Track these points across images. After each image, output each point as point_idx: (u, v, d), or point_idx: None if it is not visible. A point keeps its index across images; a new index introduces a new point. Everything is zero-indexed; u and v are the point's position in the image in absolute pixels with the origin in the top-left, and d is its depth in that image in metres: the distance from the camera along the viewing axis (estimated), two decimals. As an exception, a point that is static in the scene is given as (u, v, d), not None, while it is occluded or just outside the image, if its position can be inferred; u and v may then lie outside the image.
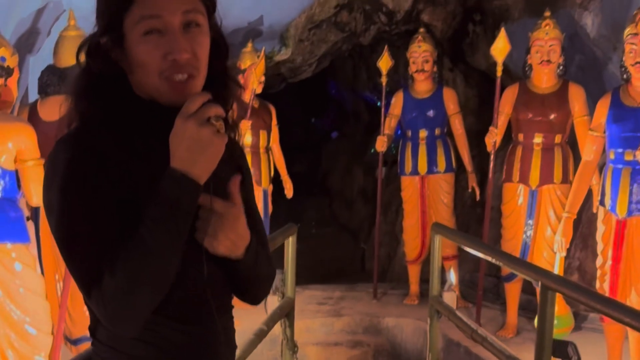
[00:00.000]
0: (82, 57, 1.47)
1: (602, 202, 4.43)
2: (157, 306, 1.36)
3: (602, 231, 4.43)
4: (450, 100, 6.17)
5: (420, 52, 6.10)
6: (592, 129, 4.51)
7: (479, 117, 7.56)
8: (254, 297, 1.67)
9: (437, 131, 6.17)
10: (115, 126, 1.42)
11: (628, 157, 4.21)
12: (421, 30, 6.35)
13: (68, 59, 4.56)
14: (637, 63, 4.10)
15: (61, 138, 1.42)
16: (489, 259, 3.67)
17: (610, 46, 5.68)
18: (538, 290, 5.06)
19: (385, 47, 6.44)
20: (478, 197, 6.23)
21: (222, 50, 1.53)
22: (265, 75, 6.04)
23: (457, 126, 6.17)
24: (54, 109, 4.42)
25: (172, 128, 1.34)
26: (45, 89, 4.53)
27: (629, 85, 4.29)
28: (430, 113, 6.14)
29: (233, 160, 1.56)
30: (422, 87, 6.18)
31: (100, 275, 1.30)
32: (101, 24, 1.43)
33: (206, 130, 1.31)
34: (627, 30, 4.22)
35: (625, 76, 4.28)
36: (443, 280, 4.49)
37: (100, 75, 1.44)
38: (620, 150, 4.26)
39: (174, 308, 1.42)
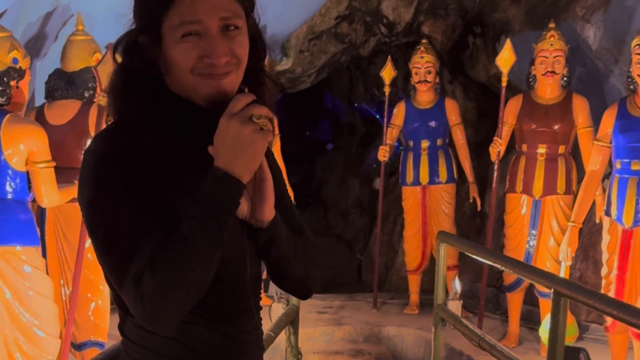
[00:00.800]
0: (117, 57, 1.47)
1: (607, 212, 4.46)
2: (194, 305, 1.35)
3: (608, 241, 4.45)
4: (452, 111, 6.21)
5: (423, 63, 6.14)
6: (599, 139, 4.55)
7: (478, 128, 7.62)
8: (304, 291, 1.66)
9: (438, 142, 6.20)
10: (152, 123, 1.42)
11: (635, 167, 4.25)
12: (424, 41, 6.40)
13: (76, 64, 4.57)
14: None
15: (98, 134, 1.44)
16: (499, 266, 3.68)
17: (611, 59, 5.73)
18: (541, 300, 5.15)
19: (389, 57, 6.48)
20: (479, 208, 6.26)
21: (260, 49, 1.52)
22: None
23: (459, 137, 6.20)
24: (61, 113, 4.44)
25: (210, 127, 1.35)
26: (52, 93, 4.53)
27: (636, 96, 4.33)
28: (432, 123, 6.17)
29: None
30: (424, 97, 6.21)
31: (139, 273, 1.29)
32: (139, 24, 1.43)
33: (248, 128, 1.32)
34: (635, 41, 4.26)
35: (632, 87, 4.33)
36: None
37: (136, 73, 1.44)
38: (627, 160, 4.30)
39: (210, 307, 1.42)
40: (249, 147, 1.32)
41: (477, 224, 7.41)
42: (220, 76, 1.40)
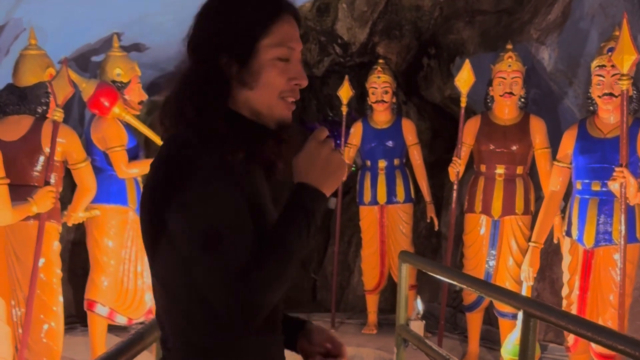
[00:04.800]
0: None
1: (568, 233, 4.49)
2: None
3: (569, 261, 4.48)
4: (409, 131, 6.22)
5: (380, 83, 6.15)
6: (559, 159, 4.59)
7: (432, 149, 7.62)
8: None
9: (396, 161, 6.20)
10: (224, 140, 1.52)
11: (595, 188, 4.29)
12: (380, 61, 6.40)
13: (28, 78, 4.44)
14: (604, 95, 4.19)
15: (185, 142, 1.50)
16: (465, 287, 3.66)
17: (566, 81, 5.80)
18: (500, 320, 5.16)
19: (346, 77, 6.45)
20: (437, 227, 6.27)
21: None
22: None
23: (416, 157, 6.21)
24: (13, 129, 4.31)
25: (273, 147, 1.59)
26: (4, 109, 4.40)
27: (596, 117, 4.38)
28: (390, 143, 6.17)
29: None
30: (381, 117, 6.22)
31: (245, 270, 1.40)
32: (227, 42, 1.54)
33: (338, 155, 1.56)
34: (595, 62, 4.31)
35: (592, 108, 4.38)
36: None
37: (206, 84, 1.55)
38: (587, 181, 4.34)
39: (268, 318, 1.52)
40: (337, 172, 1.56)
41: (434, 243, 7.42)
42: (293, 104, 1.61)
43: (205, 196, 1.44)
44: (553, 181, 4.64)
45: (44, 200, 4.12)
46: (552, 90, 6.00)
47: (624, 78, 3.86)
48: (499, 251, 5.24)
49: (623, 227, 3.91)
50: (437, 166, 6.74)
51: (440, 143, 7.56)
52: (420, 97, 7.79)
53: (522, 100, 5.23)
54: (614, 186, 4.00)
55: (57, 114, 4.23)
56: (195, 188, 1.44)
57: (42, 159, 4.32)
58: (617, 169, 3.92)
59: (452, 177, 5.39)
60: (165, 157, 1.50)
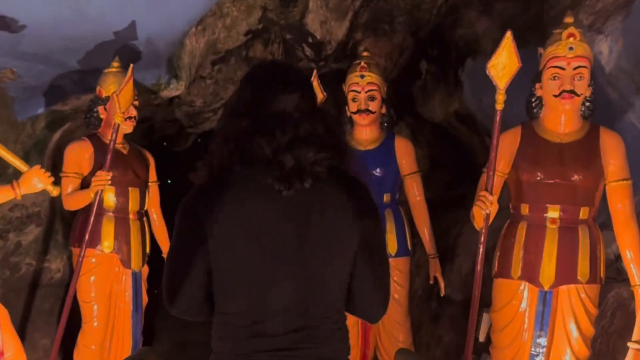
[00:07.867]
0: None
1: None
2: None
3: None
4: (405, 155, 4.50)
5: (364, 85, 4.43)
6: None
7: (430, 183, 5.94)
8: None
9: (385, 197, 4.44)
10: None
11: None
12: (365, 54, 4.64)
13: None
14: None
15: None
16: None
17: (632, 86, 4.06)
18: None
19: (314, 72, 4.55)
20: (443, 292, 4.42)
21: None
22: (155, 119, 4.80)
23: (415, 191, 4.50)
24: None
25: None
26: None
27: None
28: (378, 172, 4.42)
29: None
30: (366, 135, 4.51)
31: None
32: None
33: None
34: None
35: None
36: None
37: None
38: None
39: None
40: None
41: (433, 308, 5.68)
42: None
43: None
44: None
45: None
46: (609, 99, 4.24)
47: None
48: (551, 339, 3.39)
49: None
50: (436, 205, 5.17)
51: (440, 175, 6.15)
52: (416, 115, 6.26)
53: (588, 104, 3.42)
54: None
55: None
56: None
57: None
58: None
59: (479, 221, 3.42)
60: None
